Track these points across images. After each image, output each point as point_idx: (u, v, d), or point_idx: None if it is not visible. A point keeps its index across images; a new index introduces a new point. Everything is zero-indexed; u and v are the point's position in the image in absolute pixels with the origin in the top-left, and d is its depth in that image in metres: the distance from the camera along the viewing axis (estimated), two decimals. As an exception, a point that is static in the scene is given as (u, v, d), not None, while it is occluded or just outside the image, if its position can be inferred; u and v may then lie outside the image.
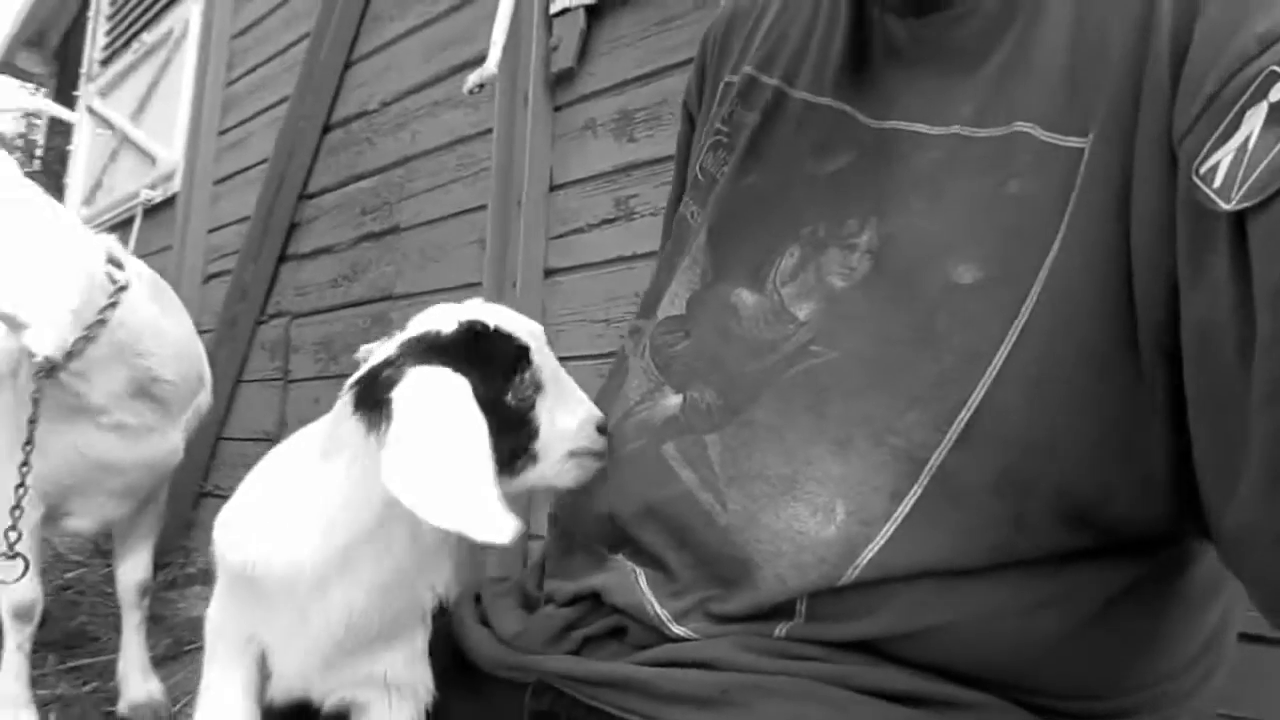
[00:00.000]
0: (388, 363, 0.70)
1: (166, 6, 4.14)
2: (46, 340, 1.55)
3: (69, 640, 2.44)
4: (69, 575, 2.73)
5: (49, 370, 1.60)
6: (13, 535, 1.52)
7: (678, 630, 0.68)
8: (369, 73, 2.80)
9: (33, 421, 1.60)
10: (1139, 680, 0.65)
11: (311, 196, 2.95)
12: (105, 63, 4.65)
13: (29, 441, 1.61)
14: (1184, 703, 0.68)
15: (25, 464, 1.61)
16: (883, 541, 0.61)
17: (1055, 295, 0.60)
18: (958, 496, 0.60)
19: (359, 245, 2.72)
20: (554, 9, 2.12)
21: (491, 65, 1.86)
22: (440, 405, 0.65)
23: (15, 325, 1.54)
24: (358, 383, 0.71)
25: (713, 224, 0.83)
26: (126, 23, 4.51)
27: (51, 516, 1.84)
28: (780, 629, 0.65)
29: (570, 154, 2.08)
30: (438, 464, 0.63)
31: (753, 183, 0.81)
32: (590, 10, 2.06)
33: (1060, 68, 0.65)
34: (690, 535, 0.69)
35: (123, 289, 1.66)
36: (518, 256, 2.07)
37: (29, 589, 1.81)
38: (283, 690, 0.79)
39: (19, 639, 1.84)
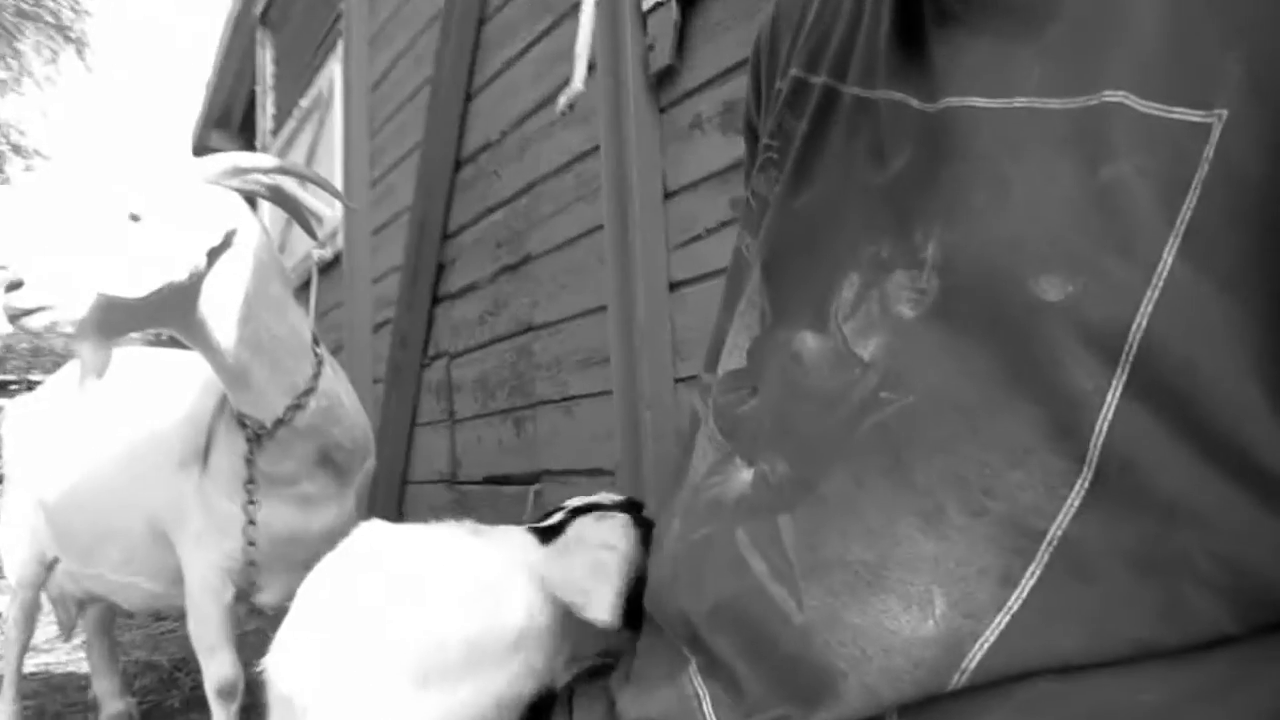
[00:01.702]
0: (564, 519, 0.84)
1: (316, 70, 4.32)
2: (264, 409, 1.63)
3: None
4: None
5: (258, 437, 1.67)
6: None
7: None
8: (488, 103, 2.77)
9: (252, 482, 1.70)
10: None
11: (453, 235, 2.96)
12: (275, 132, 4.93)
13: (253, 501, 1.71)
14: None
15: (252, 521, 1.71)
16: (994, 637, 0.50)
17: (1171, 318, 0.48)
18: (1087, 575, 0.49)
19: (498, 279, 2.69)
20: (646, 5, 1.98)
21: (578, 82, 1.75)
22: (604, 526, 0.80)
23: (239, 387, 1.61)
24: (534, 528, 0.84)
25: (767, 258, 0.72)
26: (286, 91, 4.76)
27: (240, 596, 1.90)
28: None
29: (681, 156, 1.94)
30: (587, 557, 0.77)
31: (805, 204, 0.69)
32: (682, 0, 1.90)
33: (1161, 17, 0.51)
34: (763, 639, 0.58)
35: (321, 362, 1.72)
36: (638, 272, 1.96)
37: (230, 668, 1.89)
38: None
39: (225, 716, 1.92)
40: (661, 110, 1.99)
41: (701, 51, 1.88)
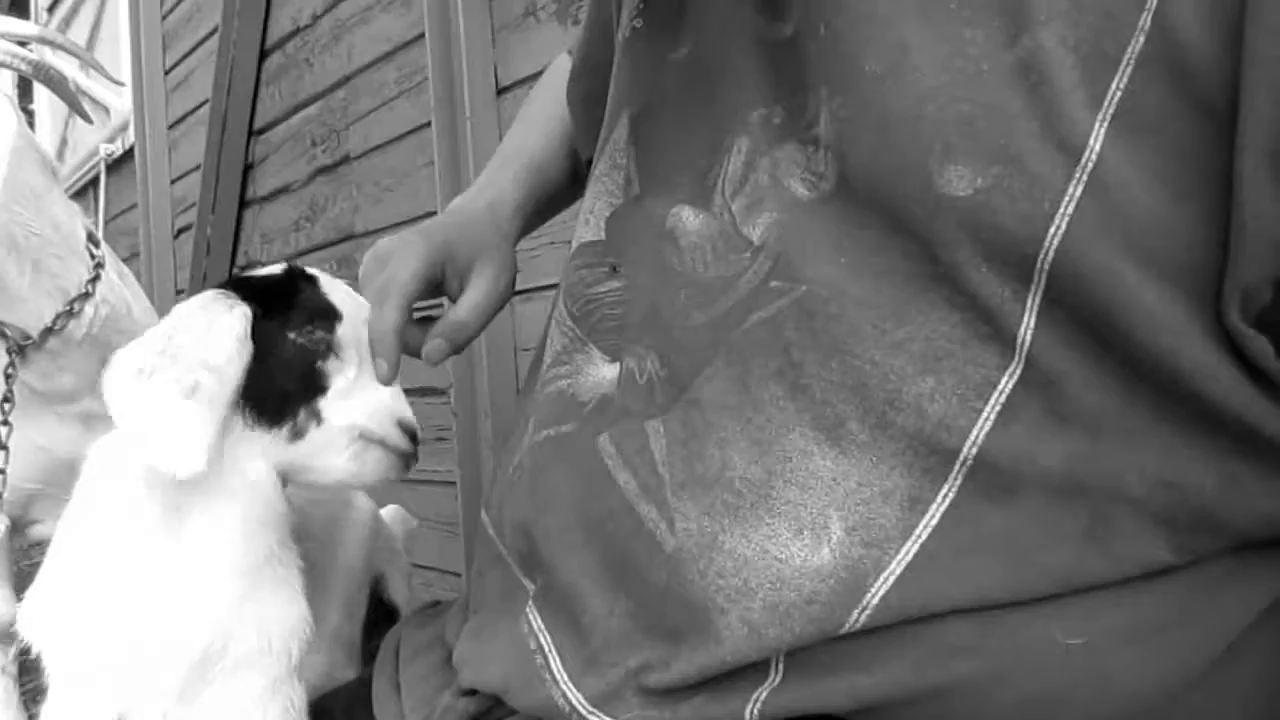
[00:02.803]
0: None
1: (95, -62, 3.81)
2: (25, 315, 1.39)
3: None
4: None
5: (21, 349, 1.44)
6: None
7: None
8: (296, -18, 2.48)
9: (7, 400, 1.45)
10: None
11: (260, 132, 2.68)
12: (51, 8, 4.37)
13: (5, 421, 1.46)
14: None
15: (3, 445, 1.46)
16: (900, 569, 0.45)
17: (1095, 218, 0.42)
18: (1006, 498, 0.44)
19: (314, 181, 2.45)
20: (473, -127, 1.78)
21: (396, -48, 1.55)
22: (202, 321, 0.64)
23: None
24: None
25: (637, 112, 0.62)
26: (63, -38, 4.20)
27: (17, 527, 1.69)
28: (752, 704, 0.47)
29: (513, 49, 1.78)
30: (161, 370, 0.62)
31: (685, 56, 0.59)
32: None
33: None
34: (628, 567, 0.51)
35: (100, 265, 1.49)
36: (470, 176, 1.80)
37: (6, 608, 1.69)
38: None
39: (2, 662, 1.73)
40: (492, -5, 1.81)
41: (536, -70, 1.71)
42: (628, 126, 0.62)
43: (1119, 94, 0.41)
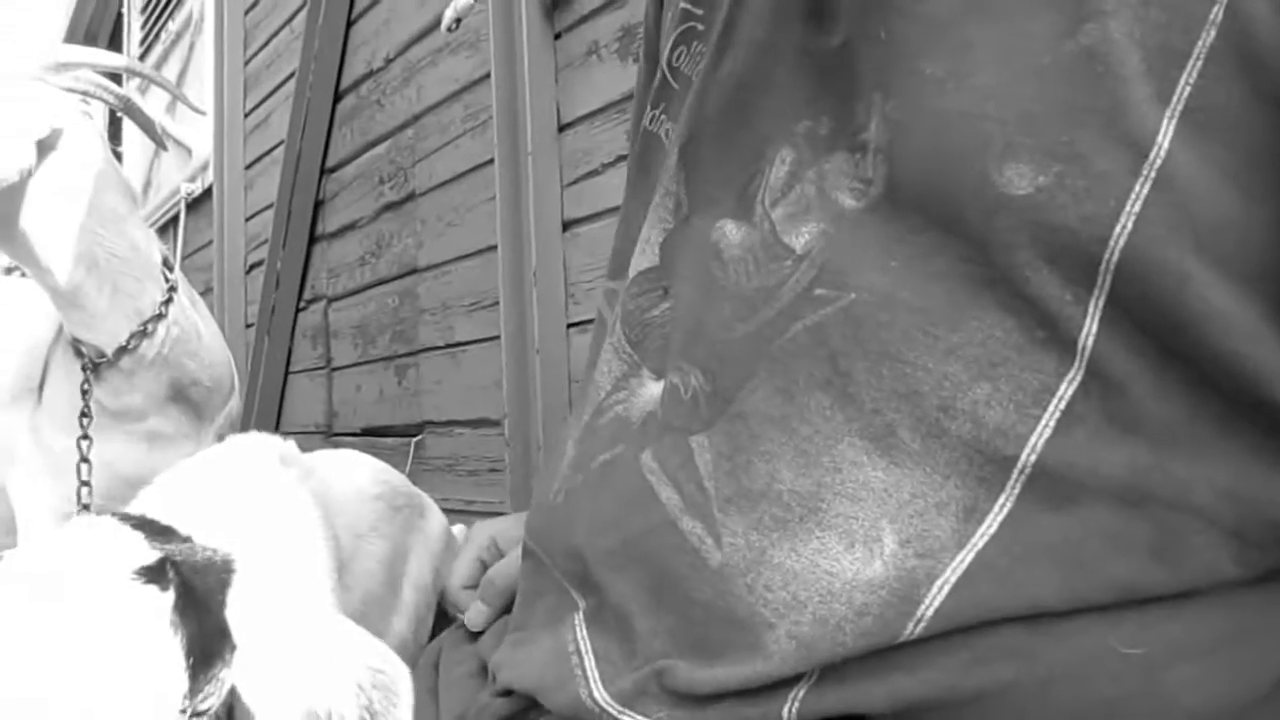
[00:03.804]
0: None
1: (186, -11, 4.01)
2: (102, 333, 1.45)
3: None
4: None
5: (96, 366, 1.49)
6: None
7: None
8: (371, 28, 2.58)
9: (85, 415, 1.50)
10: None
11: (332, 170, 2.76)
12: (142, 58, 4.58)
13: (86, 435, 1.52)
14: None
15: (85, 459, 1.51)
16: (954, 578, 0.43)
17: (1162, 218, 0.40)
18: (1067, 507, 0.43)
19: (381, 217, 2.52)
20: (542, -81, 1.84)
21: (465, -8, 1.61)
22: None
23: (72, 309, 1.42)
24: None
25: (685, 138, 0.61)
26: (155, 13, 4.42)
27: None
28: (790, 703, 0.45)
29: (575, 86, 1.82)
30: None
31: (731, 72, 0.59)
32: (580, -86, 1.77)
33: None
34: (670, 584, 0.50)
35: (174, 288, 1.56)
36: (529, 210, 1.83)
37: None
38: None
39: None
40: (557, 36, 1.86)
41: (601, -29, 1.76)
42: (678, 153, 0.62)
43: (1188, 89, 0.39)
